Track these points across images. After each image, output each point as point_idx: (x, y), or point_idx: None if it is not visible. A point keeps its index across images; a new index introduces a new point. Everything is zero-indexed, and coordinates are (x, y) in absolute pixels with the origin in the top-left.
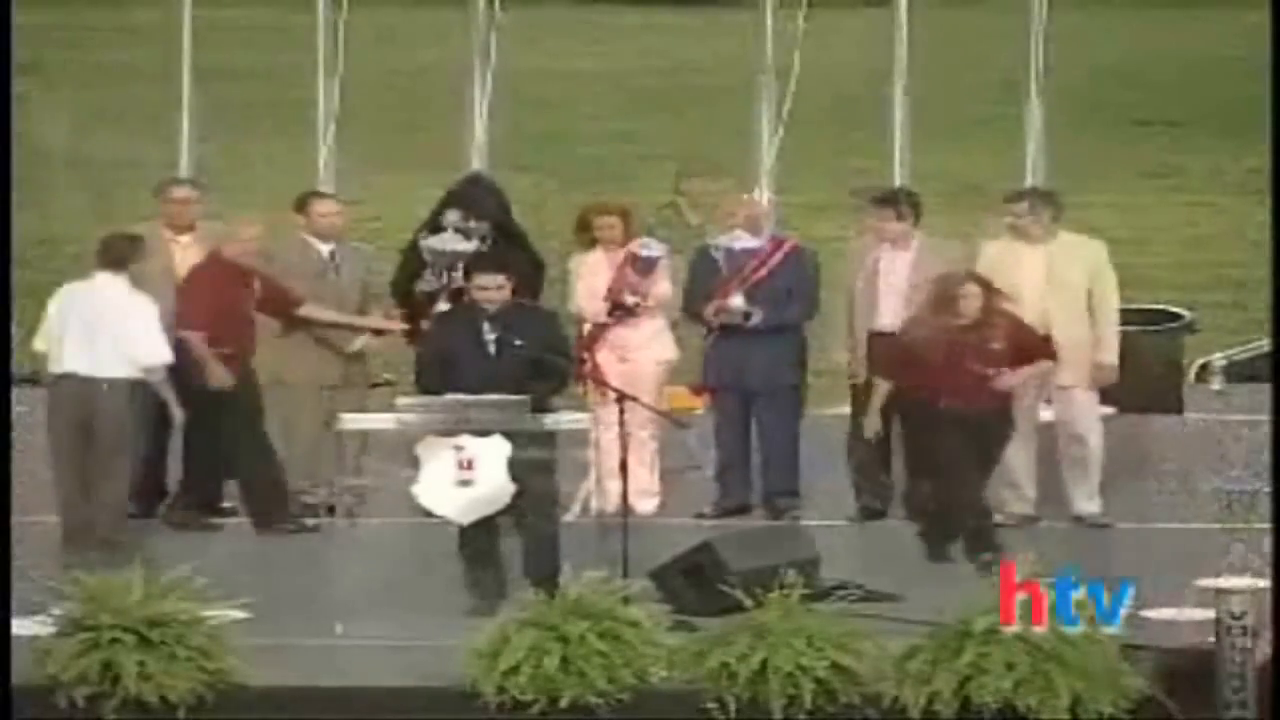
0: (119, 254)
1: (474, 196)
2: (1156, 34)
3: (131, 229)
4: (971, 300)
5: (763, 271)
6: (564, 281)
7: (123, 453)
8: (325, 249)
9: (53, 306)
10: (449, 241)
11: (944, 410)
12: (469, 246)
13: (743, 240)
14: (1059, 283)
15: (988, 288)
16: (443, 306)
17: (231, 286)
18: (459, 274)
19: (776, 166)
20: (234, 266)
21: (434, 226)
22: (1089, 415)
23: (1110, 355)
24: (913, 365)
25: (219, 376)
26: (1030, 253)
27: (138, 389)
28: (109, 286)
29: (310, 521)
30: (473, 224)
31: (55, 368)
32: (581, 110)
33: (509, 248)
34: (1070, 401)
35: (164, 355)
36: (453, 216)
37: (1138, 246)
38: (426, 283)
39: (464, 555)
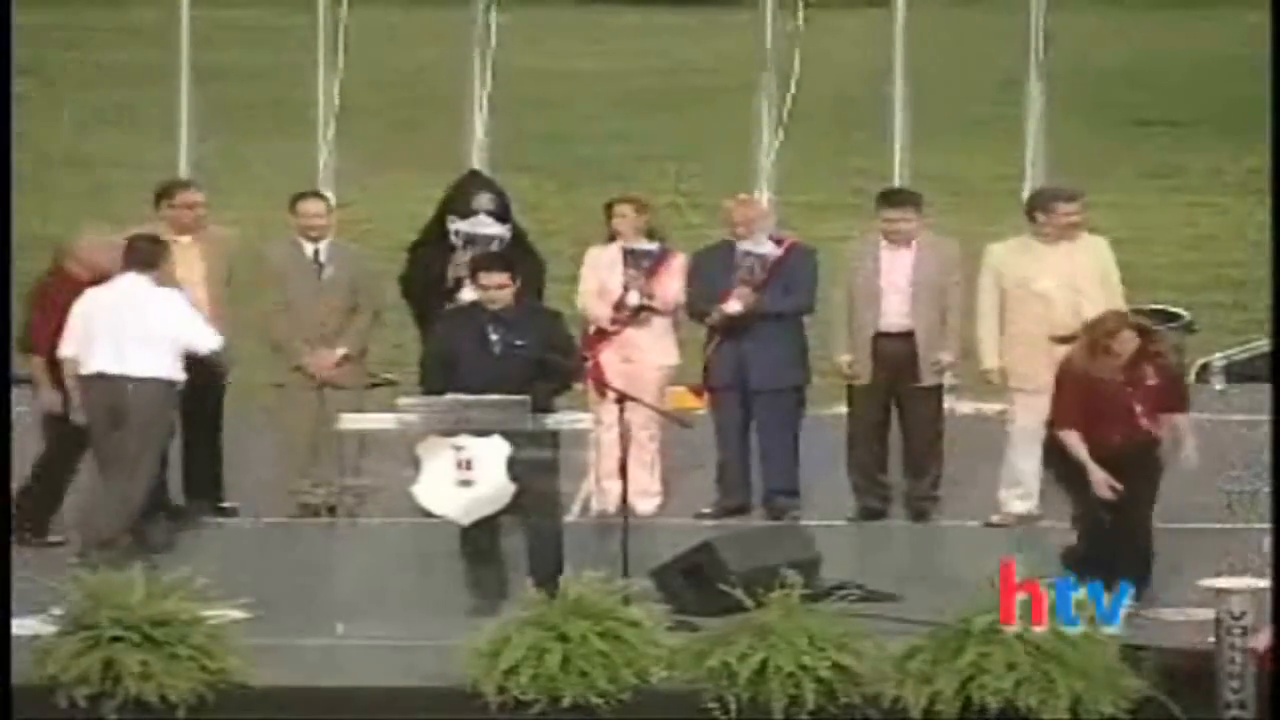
0: (148, 255)
1: (492, 187)
2: (1156, 34)
3: (131, 231)
4: (1128, 344)
5: (762, 274)
6: (569, 281)
7: (146, 453)
8: (311, 249)
9: (78, 309)
10: (482, 225)
11: (1103, 447)
12: (501, 230)
13: (759, 246)
14: (1083, 282)
15: (1144, 331)
16: (468, 292)
17: (77, 298)
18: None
19: (777, 166)
20: (76, 279)
21: (464, 210)
22: None
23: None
24: (1071, 406)
25: (51, 401)
26: (1050, 252)
27: (164, 389)
28: (138, 287)
29: (307, 521)
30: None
31: (85, 369)
32: (581, 110)
33: (512, 246)
34: None
35: (216, 339)
36: (484, 200)
37: (1138, 246)
38: (456, 268)
39: (465, 555)
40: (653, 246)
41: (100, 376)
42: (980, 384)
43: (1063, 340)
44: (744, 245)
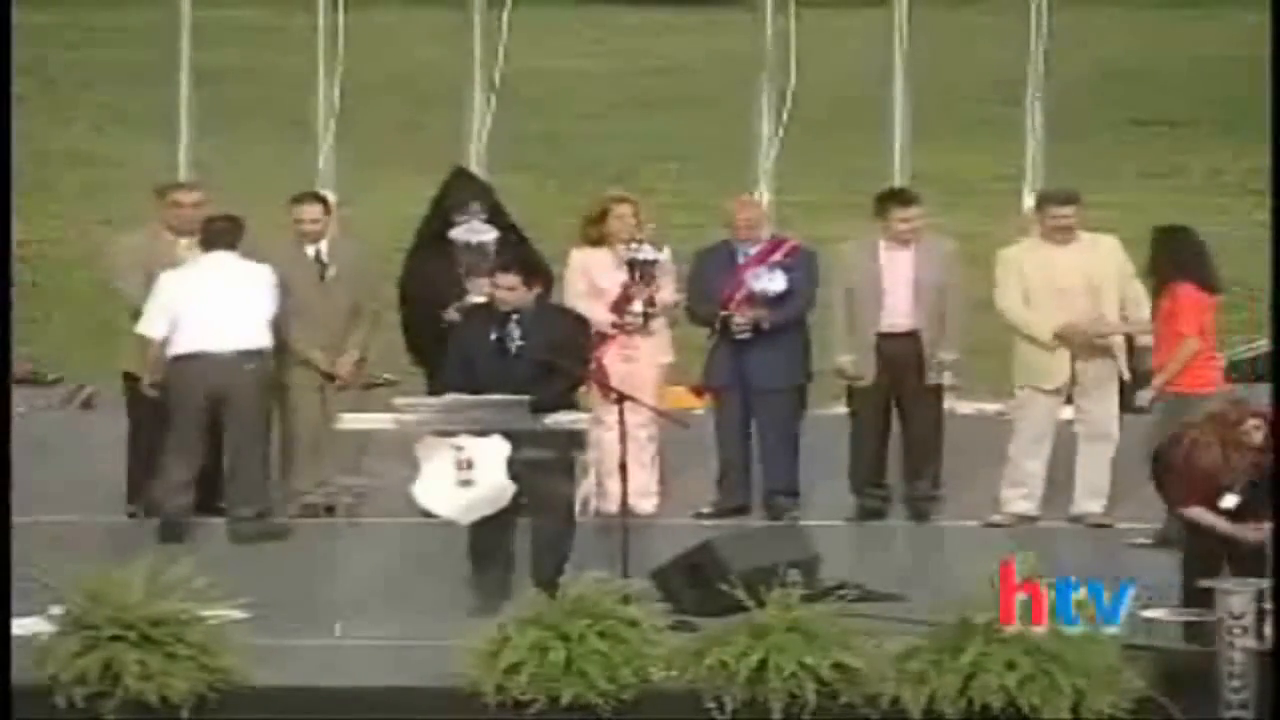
0: (225, 234)
1: (479, 185)
2: (1156, 34)
3: (134, 231)
4: (1258, 433)
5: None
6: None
7: (262, 424)
8: (312, 249)
9: (163, 292)
10: (477, 232)
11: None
12: (493, 235)
13: (766, 281)
14: (1100, 281)
15: (1266, 417)
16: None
17: None
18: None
19: (776, 166)
20: None
21: (458, 215)
22: (1114, 413)
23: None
24: (1193, 494)
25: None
26: (1064, 252)
27: (269, 361)
28: (226, 263)
29: (308, 521)
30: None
31: (177, 349)
32: (581, 110)
33: (520, 245)
34: (1100, 399)
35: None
36: (476, 205)
37: (1138, 246)
38: (463, 273)
39: (471, 554)
40: (659, 256)
41: (197, 356)
42: (980, 384)
43: (1061, 339)
44: (750, 279)
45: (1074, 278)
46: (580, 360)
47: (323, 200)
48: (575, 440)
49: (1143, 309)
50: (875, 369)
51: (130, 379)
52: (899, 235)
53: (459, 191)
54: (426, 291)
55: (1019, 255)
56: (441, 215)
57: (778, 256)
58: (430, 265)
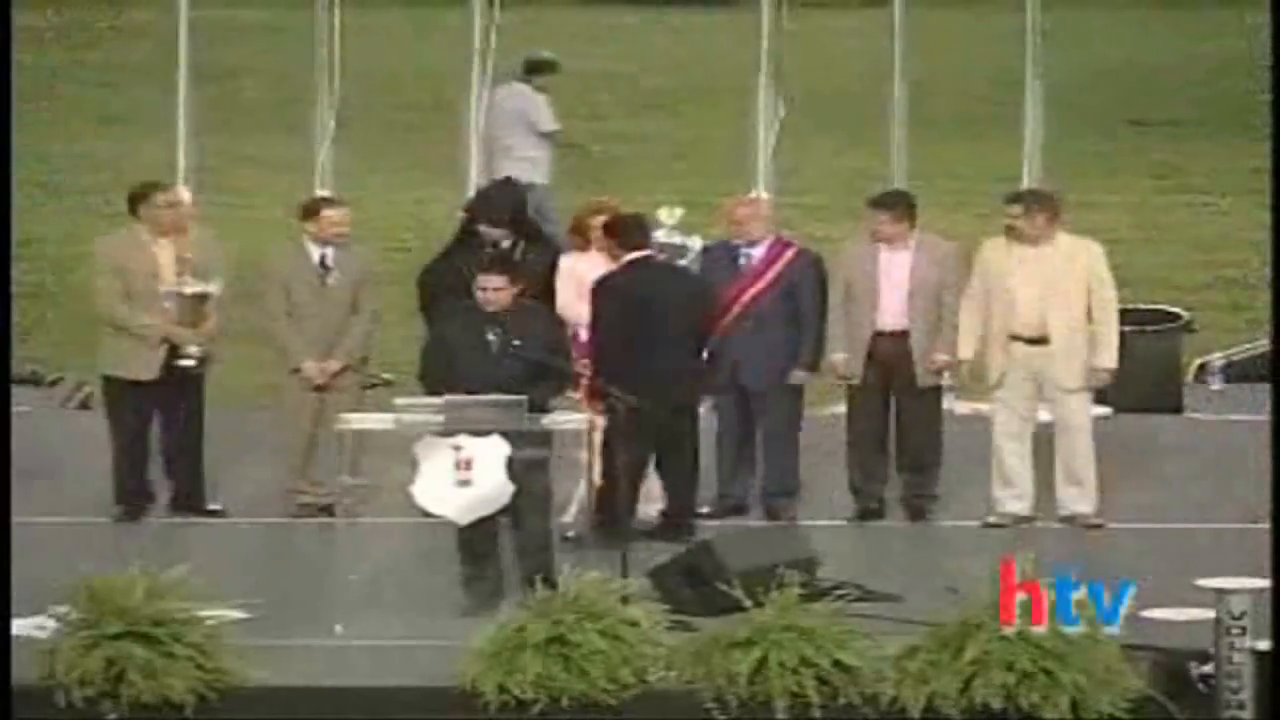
0: None
1: (492, 201)
2: (1156, 34)
3: (115, 231)
4: None
5: (761, 284)
6: None
7: None
8: (318, 253)
9: None
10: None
11: None
12: (507, 239)
13: (747, 246)
14: (1056, 285)
15: None
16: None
17: None
18: None
19: (776, 166)
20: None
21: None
22: (1084, 417)
23: (1109, 359)
24: None
25: None
26: (1027, 253)
27: None
28: None
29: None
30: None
31: None
32: (582, 110)
33: (528, 247)
34: (1066, 404)
35: None
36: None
37: (1137, 247)
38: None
39: (461, 555)
40: (689, 242)
41: None
42: (980, 383)
43: (1028, 341)
44: (736, 246)
45: (1025, 279)
46: (569, 360)
47: (344, 203)
48: (572, 441)
49: (1107, 320)
50: (866, 368)
51: (110, 381)
52: (876, 237)
53: (493, 196)
54: (445, 290)
55: (986, 252)
56: (472, 219)
57: (778, 266)
58: (453, 266)
